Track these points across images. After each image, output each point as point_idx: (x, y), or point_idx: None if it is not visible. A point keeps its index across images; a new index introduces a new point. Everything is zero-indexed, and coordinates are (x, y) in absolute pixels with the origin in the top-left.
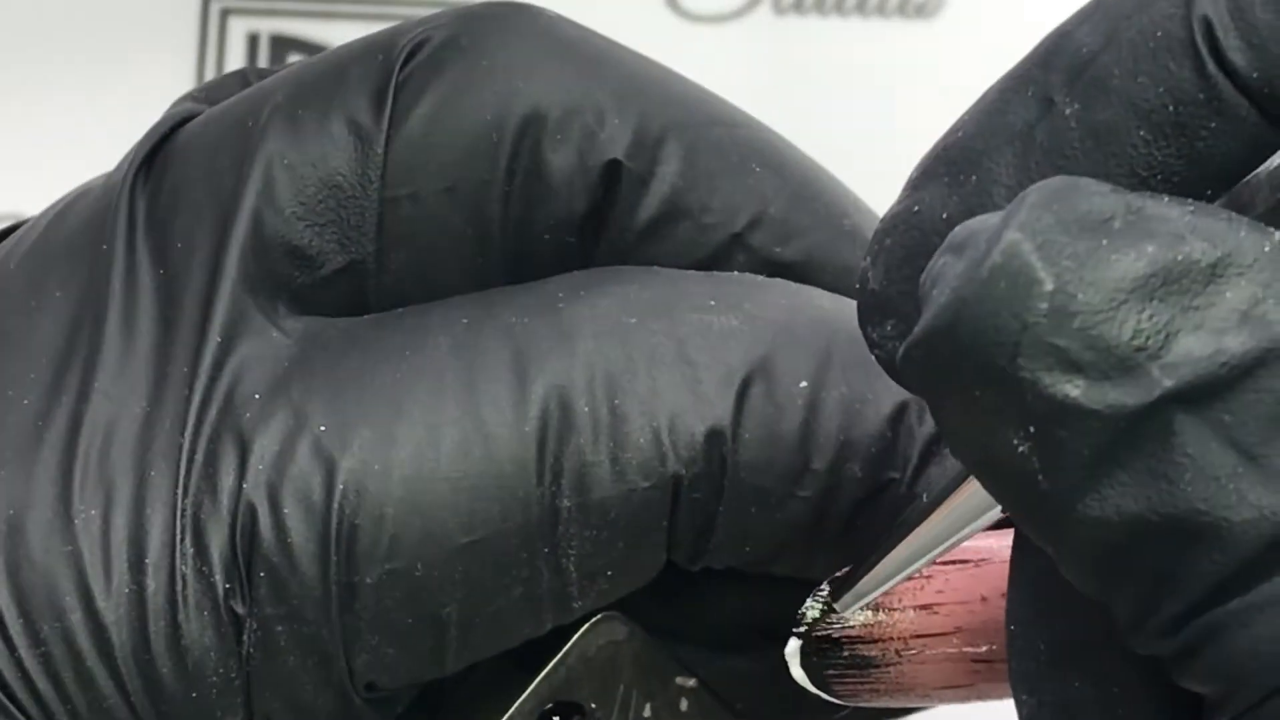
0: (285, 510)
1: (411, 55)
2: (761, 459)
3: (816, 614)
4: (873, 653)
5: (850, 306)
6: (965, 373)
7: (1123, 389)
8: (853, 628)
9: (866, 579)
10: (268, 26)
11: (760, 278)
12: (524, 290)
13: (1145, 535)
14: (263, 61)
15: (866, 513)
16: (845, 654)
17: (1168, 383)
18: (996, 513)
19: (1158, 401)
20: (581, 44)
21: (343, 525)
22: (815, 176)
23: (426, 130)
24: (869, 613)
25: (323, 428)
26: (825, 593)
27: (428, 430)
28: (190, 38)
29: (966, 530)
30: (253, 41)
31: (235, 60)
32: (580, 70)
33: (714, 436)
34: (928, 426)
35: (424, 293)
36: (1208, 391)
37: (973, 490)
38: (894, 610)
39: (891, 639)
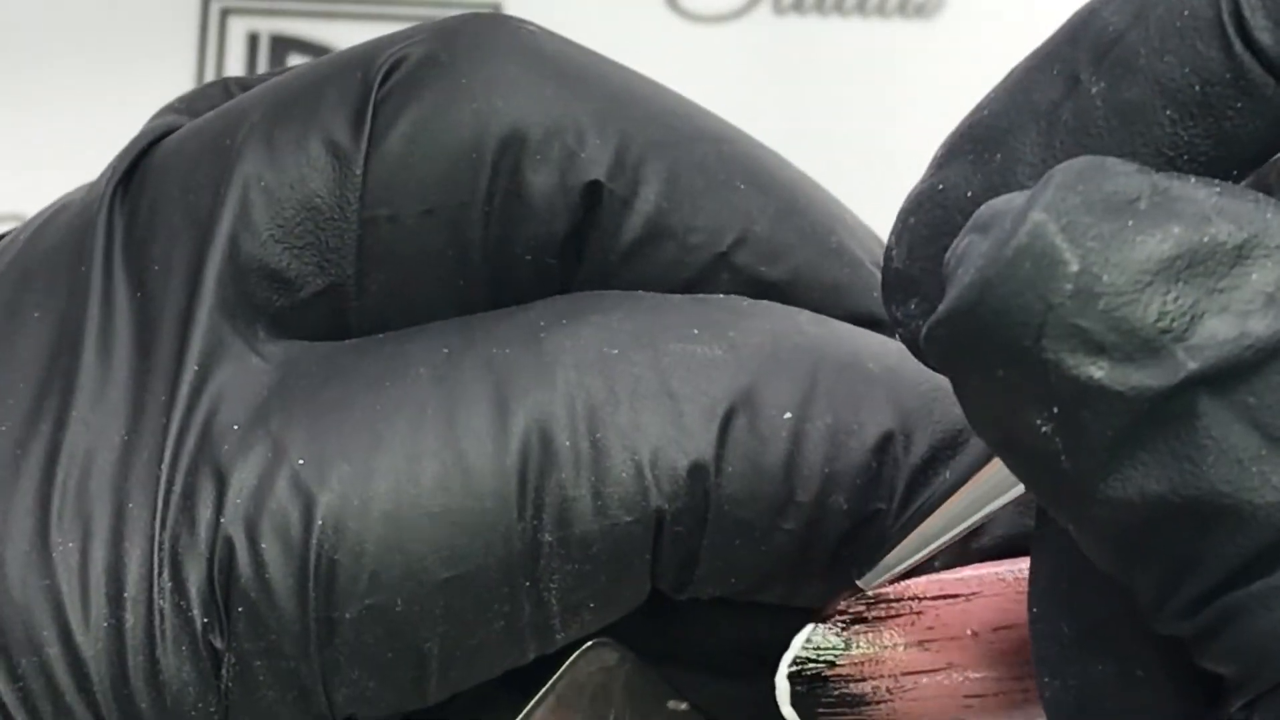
0: (263, 545)
1: (390, 73)
2: (745, 492)
3: (805, 651)
4: (864, 689)
5: (838, 330)
6: (989, 353)
7: (1147, 371)
8: (842, 665)
9: (891, 555)
10: (268, 26)
11: (746, 301)
12: (506, 318)
13: (1167, 516)
14: (263, 61)
15: (852, 543)
16: (836, 692)
17: (1192, 365)
18: (1020, 490)
19: (1182, 383)
20: (562, 59)
21: (321, 561)
22: (801, 192)
23: (405, 151)
24: (859, 649)
25: (301, 461)
26: (814, 630)
27: (407, 464)
28: (190, 38)
29: (990, 508)
30: (253, 41)
31: (235, 60)
32: (561, 87)
33: (697, 470)
34: (913, 456)
35: (404, 314)
36: (1232, 374)
37: (997, 468)
38: (885, 647)
39: (882, 676)
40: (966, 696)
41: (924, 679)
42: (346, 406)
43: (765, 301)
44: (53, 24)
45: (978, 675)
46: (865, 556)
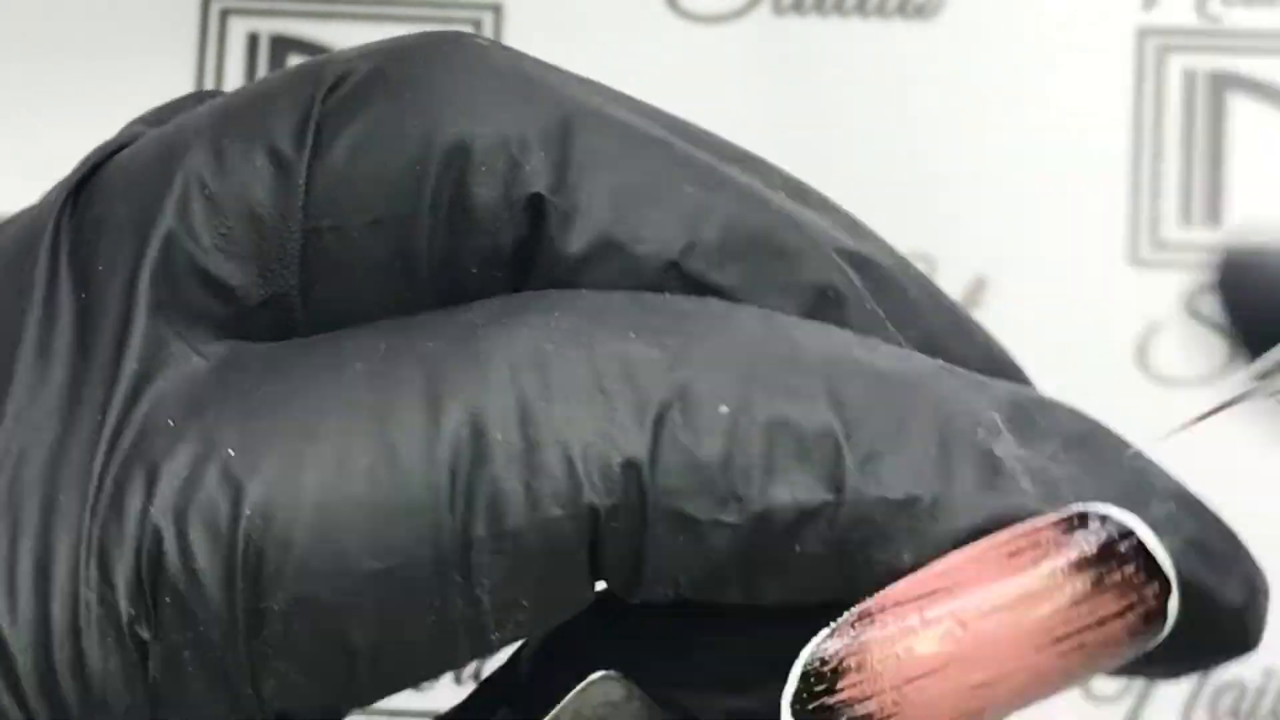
0: (191, 536)
1: (335, 86)
2: (682, 487)
3: (801, 684)
4: (870, 709)
5: (779, 323)
6: None
7: None
8: (841, 690)
9: None
10: (268, 27)
11: (690, 300)
12: (445, 316)
13: None
14: (263, 62)
15: (801, 537)
16: (843, 718)
17: None
18: None
19: None
20: (511, 73)
21: (249, 551)
22: (751, 193)
23: (349, 162)
24: (854, 670)
25: (232, 452)
26: (804, 662)
27: (338, 455)
28: (190, 38)
29: None
30: (253, 42)
31: (235, 61)
32: (508, 101)
33: (630, 466)
34: (856, 448)
35: (351, 325)
36: None
37: None
38: (879, 660)
39: (884, 690)
40: (974, 687)
41: (926, 682)
42: (282, 401)
43: (709, 298)
44: (51, 23)
45: (978, 662)
46: None
